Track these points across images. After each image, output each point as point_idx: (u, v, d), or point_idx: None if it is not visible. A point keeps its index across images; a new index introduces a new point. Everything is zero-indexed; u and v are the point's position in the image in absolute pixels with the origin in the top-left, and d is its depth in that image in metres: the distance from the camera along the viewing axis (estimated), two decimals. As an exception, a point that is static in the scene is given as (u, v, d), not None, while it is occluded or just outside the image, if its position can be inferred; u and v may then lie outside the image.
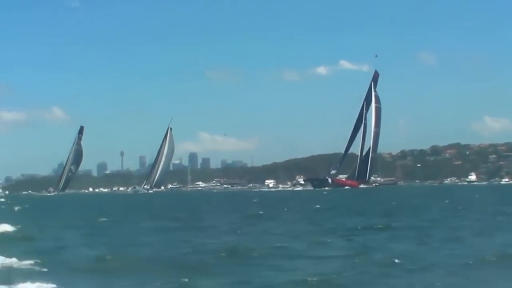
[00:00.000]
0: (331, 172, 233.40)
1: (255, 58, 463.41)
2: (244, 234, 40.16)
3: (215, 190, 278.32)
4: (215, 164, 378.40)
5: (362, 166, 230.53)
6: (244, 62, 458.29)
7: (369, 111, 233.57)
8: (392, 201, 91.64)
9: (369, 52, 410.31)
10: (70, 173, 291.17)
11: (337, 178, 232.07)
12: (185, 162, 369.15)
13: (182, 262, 26.70)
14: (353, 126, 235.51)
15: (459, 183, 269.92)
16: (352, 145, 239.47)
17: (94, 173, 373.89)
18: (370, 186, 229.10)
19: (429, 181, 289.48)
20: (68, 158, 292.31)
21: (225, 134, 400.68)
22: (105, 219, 59.07)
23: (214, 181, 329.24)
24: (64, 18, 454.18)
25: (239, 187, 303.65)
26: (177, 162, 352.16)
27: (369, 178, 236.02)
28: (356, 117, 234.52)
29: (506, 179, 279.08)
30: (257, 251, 29.02)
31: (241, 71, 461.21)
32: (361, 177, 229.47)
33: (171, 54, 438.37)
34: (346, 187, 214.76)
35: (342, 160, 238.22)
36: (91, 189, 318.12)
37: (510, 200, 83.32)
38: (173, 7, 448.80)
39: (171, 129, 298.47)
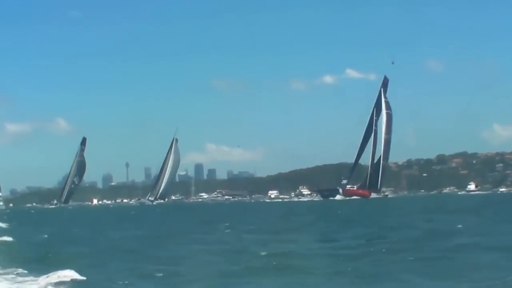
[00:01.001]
0: (342, 182, 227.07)
1: (261, 68, 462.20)
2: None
3: (215, 202, 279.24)
4: (221, 175, 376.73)
5: (373, 175, 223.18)
6: (250, 71, 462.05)
7: (379, 117, 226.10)
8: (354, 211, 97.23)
9: (375, 60, 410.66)
10: (73, 185, 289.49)
11: (347, 188, 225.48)
12: (191, 173, 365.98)
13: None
14: (363, 133, 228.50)
15: (459, 193, 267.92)
16: (362, 154, 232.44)
17: (99, 185, 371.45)
18: (380, 195, 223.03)
19: (434, 191, 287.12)
20: (70, 170, 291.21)
21: (238, 146, 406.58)
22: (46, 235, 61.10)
23: (215, 193, 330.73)
24: (66, 28, 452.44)
25: (239, 198, 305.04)
26: (183, 173, 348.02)
27: (381, 187, 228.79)
28: (366, 124, 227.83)
29: (503, 188, 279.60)
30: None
31: (247, 80, 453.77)
32: (373, 186, 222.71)
33: (176, 64, 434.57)
34: (336, 197, 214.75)
35: (353, 169, 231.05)
36: (95, 201, 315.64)
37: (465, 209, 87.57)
38: (178, 17, 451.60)
39: (176, 140, 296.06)
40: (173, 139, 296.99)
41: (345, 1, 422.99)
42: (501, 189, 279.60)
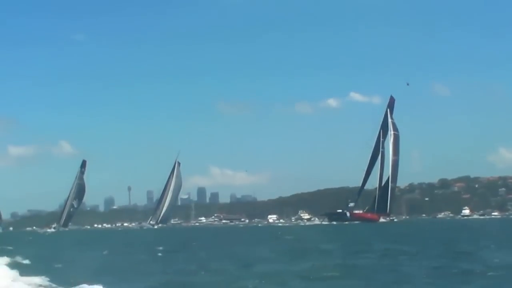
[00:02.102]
0: (349, 205, 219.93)
1: (266, 91, 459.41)
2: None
3: (212, 226, 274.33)
4: (224, 198, 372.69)
5: (381, 198, 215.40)
6: (255, 95, 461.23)
7: (386, 139, 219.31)
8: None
9: (379, 84, 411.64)
10: (72, 209, 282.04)
11: (355, 211, 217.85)
12: (194, 197, 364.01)
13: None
14: (370, 155, 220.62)
15: (456, 217, 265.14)
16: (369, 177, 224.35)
17: (101, 208, 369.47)
18: (387, 219, 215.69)
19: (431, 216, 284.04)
20: (69, 193, 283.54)
21: (246, 170, 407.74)
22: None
23: (213, 217, 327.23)
24: (70, 51, 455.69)
25: (236, 223, 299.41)
26: (185, 196, 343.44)
27: (391, 211, 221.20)
28: (373, 147, 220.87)
29: (496, 213, 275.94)
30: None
31: (251, 103, 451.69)
32: (381, 210, 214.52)
33: (180, 87, 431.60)
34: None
35: (360, 192, 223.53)
36: (95, 225, 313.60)
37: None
38: (183, 40, 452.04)
39: (178, 163, 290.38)
40: (175, 163, 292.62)
41: (349, 25, 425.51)
42: (493, 213, 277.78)
